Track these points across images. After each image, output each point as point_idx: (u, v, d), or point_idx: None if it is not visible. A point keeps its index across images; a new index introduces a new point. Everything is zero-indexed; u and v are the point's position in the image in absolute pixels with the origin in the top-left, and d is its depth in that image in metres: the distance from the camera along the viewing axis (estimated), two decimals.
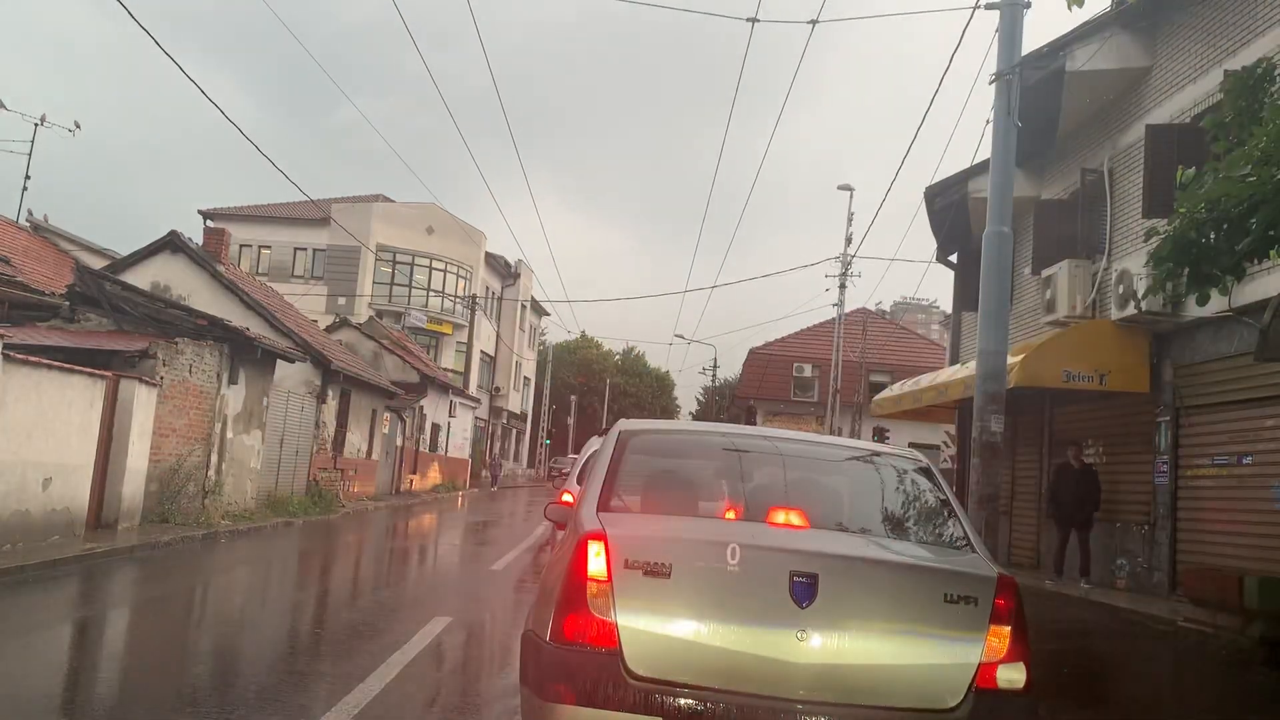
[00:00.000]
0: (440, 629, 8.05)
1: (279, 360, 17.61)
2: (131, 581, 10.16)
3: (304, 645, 7.68)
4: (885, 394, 19.21)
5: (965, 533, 3.90)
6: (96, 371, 11.62)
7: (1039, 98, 12.92)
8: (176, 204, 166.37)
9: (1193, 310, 11.55)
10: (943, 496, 4.11)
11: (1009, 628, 3.32)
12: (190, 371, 14.51)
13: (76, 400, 11.02)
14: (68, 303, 14.92)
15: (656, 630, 3.23)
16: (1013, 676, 3.30)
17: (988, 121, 10.68)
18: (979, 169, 16.01)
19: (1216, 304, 10.71)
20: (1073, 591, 12.46)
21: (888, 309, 76.63)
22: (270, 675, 6.38)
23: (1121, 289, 12.19)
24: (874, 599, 3.30)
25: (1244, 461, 10.87)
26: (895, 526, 4.04)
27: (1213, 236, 5.01)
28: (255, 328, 18.14)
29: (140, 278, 18.55)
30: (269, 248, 43.75)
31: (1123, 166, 13.31)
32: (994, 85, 10.05)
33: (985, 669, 3.27)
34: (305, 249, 43.77)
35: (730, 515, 3.97)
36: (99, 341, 13.40)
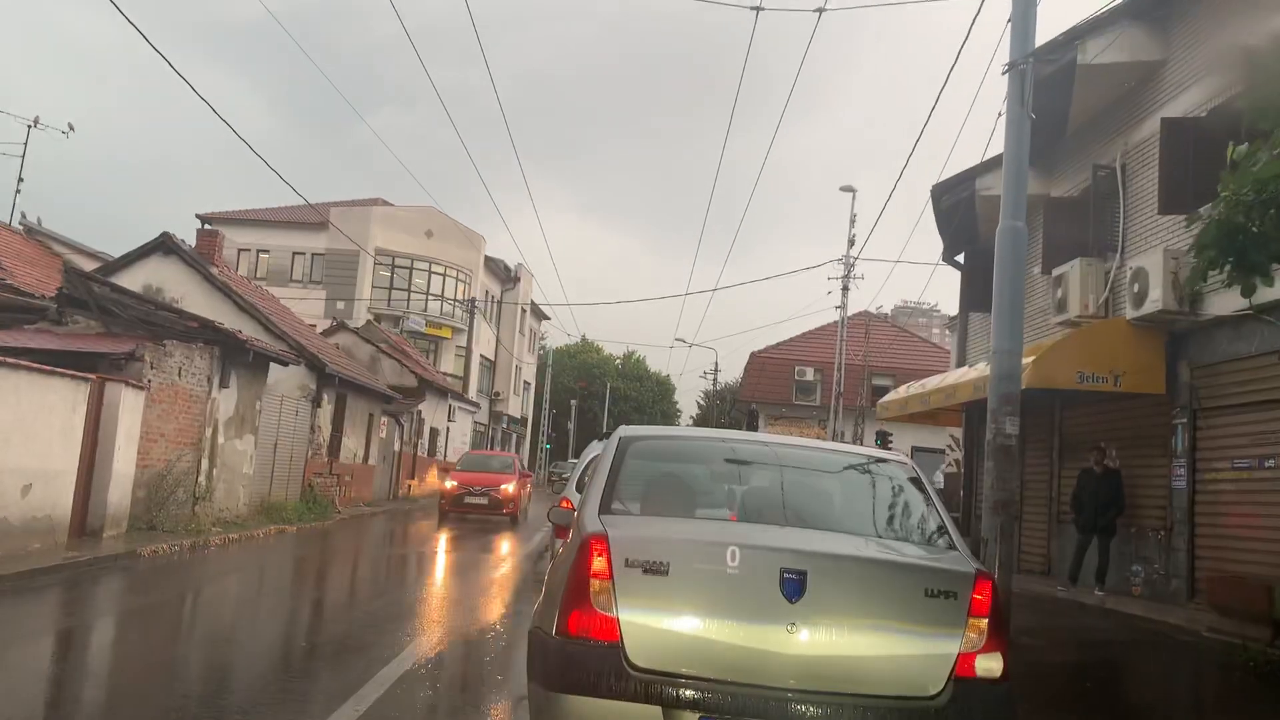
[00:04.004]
0: (436, 639, 7.79)
1: (272, 364, 17.27)
2: (114, 592, 9.83)
3: (293, 658, 7.34)
4: (891, 396, 18.87)
5: (948, 532, 4.10)
6: (79, 374, 11.27)
7: (1049, 92, 12.54)
8: (177, 209, 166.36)
9: (1211, 309, 11.23)
10: (928, 499, 4.33)
11: (986, 620, 3.50)
12: (179, 374, 14.16)
13: (58, 404, 10.68)
14: (54, 305, 14.58)
15: (656, 624, 3.42)
16: (990, 666, 3.47)
17: (1000, 114, 10.36)
18: (986, 166, 15.70)
19: (1236, 302, 10.36)
20: (1087, 599, 12.10)
21: (889, 313, 76.24)
22: (258, 690, 6.12)
23: (1137, 287, 11.84)
24: (859, 594, 3.49)
25: (1265, 465, 10.51)
26: (882, 527, 4.28)
27: (1260, 222, 4.65)
28: (249, 330, 17.80)
29: (132, 280, 18.21)
30: (267, 252, 43.41)
31: (1136, 162, 12.97)
32: (1006, 76, 9.71)
33: (964, 659, 3.44)
34: (304, 253, 43.44)
35: (727, 517, 4.25)
36: (85, 344, 13.05)
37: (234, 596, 10.78)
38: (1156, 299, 11.45)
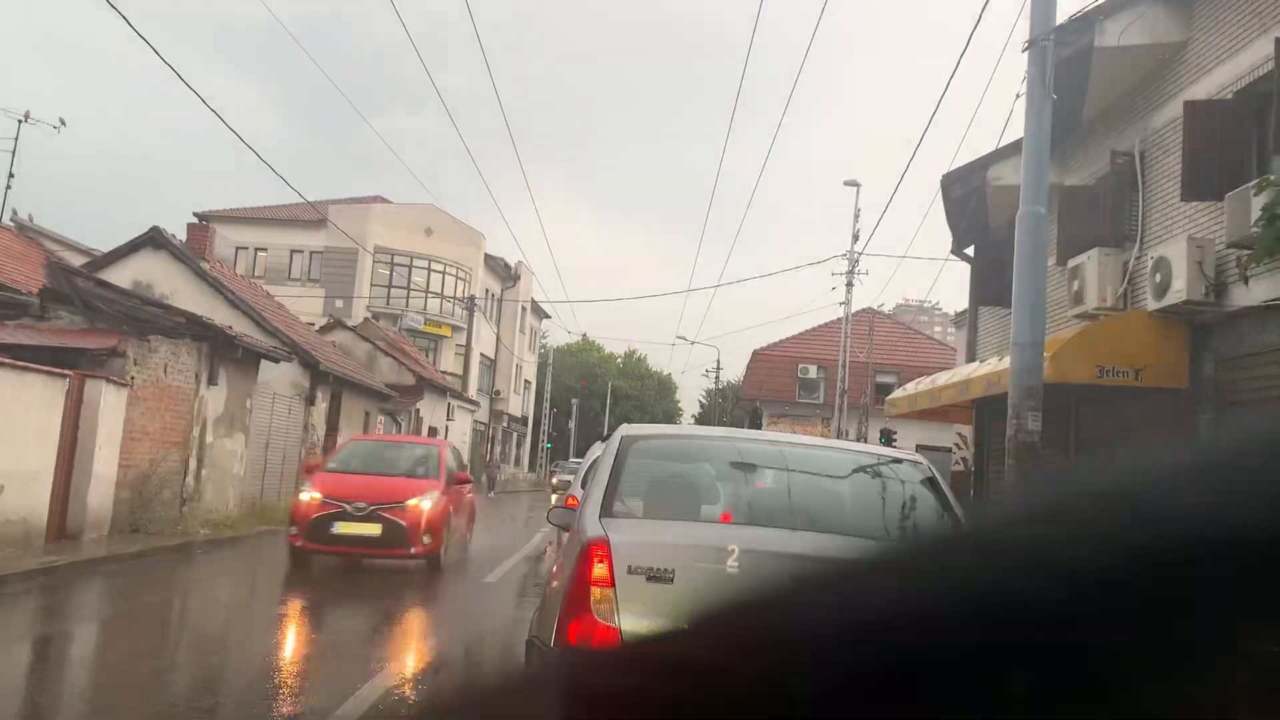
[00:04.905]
0: (428, 648, 7.36)
1: (264, 361, 16.82)
2: (92, 597, 9.41)
3: (276, 669, 6.88)
4: (900, 393, 18.42)
5: None
6: (57, 370, 10.83)
7: (1064, 76, 12.07)
8: (175, 207, 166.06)
9: (1237, 299, 10.77)
10: (944, 500, 4.17)
11: None
12: (165, 371, 13.71)
13: (34, 402, 10.24)
14: (38, 300, 14.13)
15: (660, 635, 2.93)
16: None
17: (1018, 95, 9.96)
18: (999, 155, 15.25)
19: (1263, 292, 9.93)
20: None
21: (890, 311, 75.82)
22: (238, 707, 5.73)
23: (1159, 278, 11.38)
24: None
25: None
26: (895, 529, 4.08)
27: None
28: (240, 327, 17.35)
29: (121, 276, 17.77)
30: (265, 250, 42.98)
31: (1157, 148, 12.50)
32: (1025, 57, 9.31)
33: None
34: (302, 251, 43.01)
35: (732, 519, 4.07)
36: (67, 340, 12.62)
37: (216, 601, 10.32)
38: (1180, 289, 10.99)
